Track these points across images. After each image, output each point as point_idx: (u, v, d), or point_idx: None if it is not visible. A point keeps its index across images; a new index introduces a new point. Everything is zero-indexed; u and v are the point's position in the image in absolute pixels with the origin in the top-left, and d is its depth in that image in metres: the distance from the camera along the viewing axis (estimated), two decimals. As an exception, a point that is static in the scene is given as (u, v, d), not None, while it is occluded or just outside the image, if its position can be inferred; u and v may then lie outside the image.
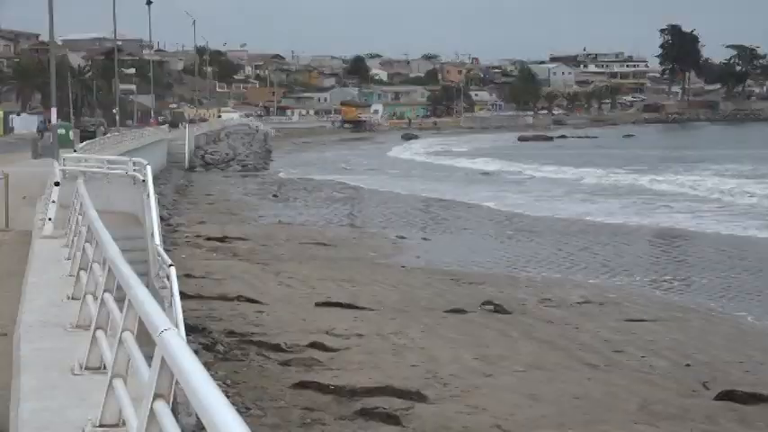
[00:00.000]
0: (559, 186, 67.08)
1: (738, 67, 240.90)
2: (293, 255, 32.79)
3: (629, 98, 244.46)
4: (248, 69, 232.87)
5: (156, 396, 4.84)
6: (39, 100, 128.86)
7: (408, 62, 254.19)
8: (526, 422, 14.88)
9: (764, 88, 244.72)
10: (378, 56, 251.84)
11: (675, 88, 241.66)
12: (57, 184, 21.85)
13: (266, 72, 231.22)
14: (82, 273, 11.08)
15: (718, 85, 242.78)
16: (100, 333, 8.05)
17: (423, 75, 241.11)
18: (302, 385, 16.33)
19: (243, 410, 14.34)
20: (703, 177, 72.55)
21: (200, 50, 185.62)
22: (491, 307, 23.69)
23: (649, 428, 14.81)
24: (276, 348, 18.77)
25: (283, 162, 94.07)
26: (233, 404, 3.59)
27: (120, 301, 7.28)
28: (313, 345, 19.11)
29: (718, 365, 18.67)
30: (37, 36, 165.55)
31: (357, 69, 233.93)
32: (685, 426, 14.99)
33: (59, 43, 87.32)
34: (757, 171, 76.62)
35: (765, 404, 16.10)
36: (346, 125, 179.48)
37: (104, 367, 7.38)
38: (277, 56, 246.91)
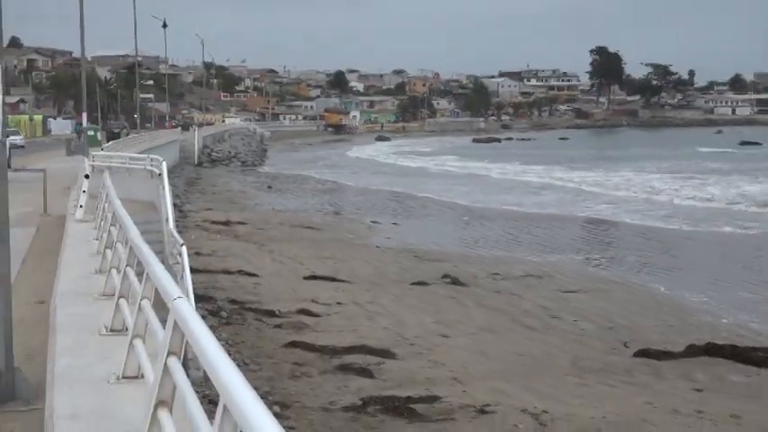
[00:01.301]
0: (506, 180, 67.25)
1: (654, 82, 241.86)
2: (284, 236, 32.75)
3: (564, 107, 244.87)
4: (247, 81, 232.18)
5: (170, 353, 4.83)
6: (72, 106, 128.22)
7: (381, 76, 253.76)
8: (477, 375, 14.93)
9: (675, 99, 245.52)
10: (356, 71, 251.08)
11: (602, 99, 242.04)
12: (87, 176, 21.75)
13: (262, 84, 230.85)
14: (107, 251, 11.06)
15: (637, 97, 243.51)
16: (122, 301, 8.04)
17: (393, 87, 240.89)
18: (292, 345, 16.33)
19: (242, 365, 14.31)
20: (624, 173, 72.89)
21: (208, 66, 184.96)
22: (449, 280, 23.70)
23: (578, 380, 14.87)
24: (270, 314, 18.76)
25: (276, 160, 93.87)
26: (234, 360, 3.58)
27: (139, 274, 7.26)
28: (301, 311, 19.11)
29: (635, 328, 18.78)
30: (70, 53, 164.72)
31: (338, 82, 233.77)
32: (608, 378, 15.08)
33: (89, 59, 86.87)
34: (669, 168, 77.04)
35: (674, 360, 16.21)
36: (329, 128, 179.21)
37: (126, 329, 7.37)
38: (272, 70, 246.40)
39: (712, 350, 16.71)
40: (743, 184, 61.49)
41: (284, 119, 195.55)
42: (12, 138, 74.20)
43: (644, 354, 16.52)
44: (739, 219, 41.22)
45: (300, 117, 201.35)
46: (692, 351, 16.65)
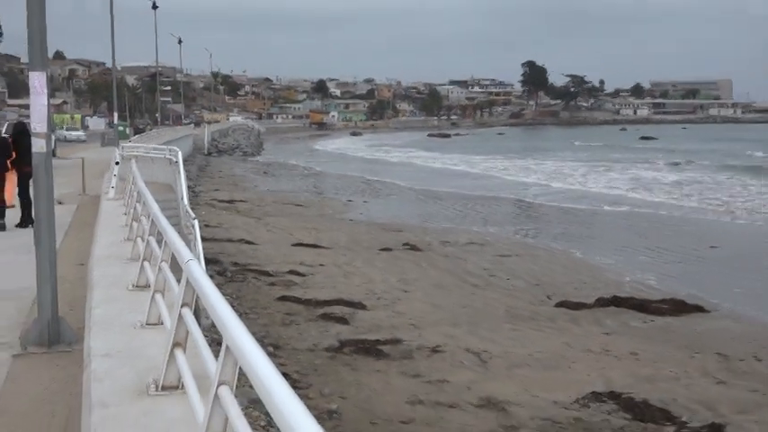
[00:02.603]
0: (455, 167, 67.38)
1: (572, 89, 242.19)
2: (277, 212, 32.71)
3: (501, 109, 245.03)
4: (247, 87, 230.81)
5: (183, 304, 4.82)
6: (105, 107, 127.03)
7: (354, 83, 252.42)
8: (431, 322, 14.99)
9: (589, 103, 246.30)
10: (335, 79, 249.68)
11: (531, 102, 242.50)
12: (117, 163, 21.61)
13: (259, 89, 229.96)
14: (134, 223, 10.98)
15: (559, 101, 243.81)
16: (146, 263, 8.00)
17: (364, 92, 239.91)
18: (283, 298, 16.33)
19: (243, 315, 14.29)
20: (548, 162, 73.26)
21: (215, 74, 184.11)
22: (408, 246, 23.74)
23: (512, 326, 14.96)
24: (266, 274, 18.73)
25: (271, 150, 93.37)
26: (236, 310, 3.57)
27: (159, 242, 7.23)
28: (290, 272, 19.09)
29: (556, 284, 18.89)
30: (104, 63, 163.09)
31: (320, 88, 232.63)
32: (535, 324, 15.18)
33: (119, 69, 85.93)
34: (583, 158, 77.52)
35: (587, 309, 16.31)
36: (313, 125, 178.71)
37: (148, 286, 7.33)
38: (267, 78, 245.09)
39: (617, 302, 16.85)
40: (641, 171, 61.99)
41: (277, 118, 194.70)
42: (76, 133, 74.11)
43: (563, 305, 16.64)
44: (637, 199, 41.63)
45: (290, 116, 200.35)
46: (602, 303, 16.79)
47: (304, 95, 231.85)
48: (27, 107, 8.23)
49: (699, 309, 16.58)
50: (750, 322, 15.89)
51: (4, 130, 20.39)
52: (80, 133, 65.69)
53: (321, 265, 20.41)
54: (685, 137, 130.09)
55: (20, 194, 15.93)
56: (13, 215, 15.71)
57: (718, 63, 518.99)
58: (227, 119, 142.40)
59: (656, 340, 14.30)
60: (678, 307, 16.60)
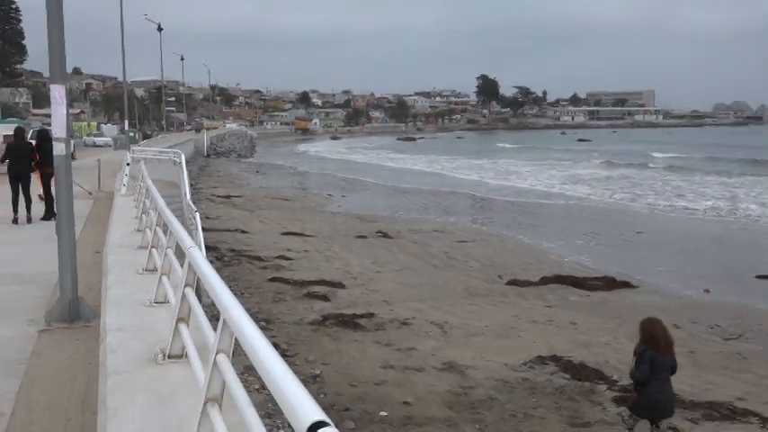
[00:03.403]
0: (420, 167, 67.43)
1: (520, 99, 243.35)
2: (268, 205, 32.56)
3: (459, 116, 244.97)
4: (241, 98, 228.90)
5: (186, 285, 4.79)
6: (117, 116, 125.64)
7: (334, 95, 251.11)
8: (401, 298, 15.02)
9: (534, 110, 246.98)
10: (316, 91, 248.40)
11: (485, 110, 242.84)
12: (128, 164, 21.39)
13: (251, 100, 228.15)
14: (143, 216, 10.89)
15: (508, 109, 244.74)
16: (153, 250, 7.95)
17: (342, 102, 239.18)
18: (273, 279, 16.29)
19: (238, 294, 14.23)
20: (500, 161, 73.56)
21: (213, 87, 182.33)
22: (381, 234, 23.76)
23: (469, 301, 15.03)
24: (258, 259, 18.66)
25: (262, 153, 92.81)
26: (232, 290, 3.56)
27: (164, 231, 7.18)
28: (279, 257, 19.04)
29: (507, 265, 19.01)
30: (116, 78, 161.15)
31: (304, 99, 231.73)
32: (489, 299, 15.26)
33: (129, 82, 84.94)
34: (529, 157, 77.90)
35: (533, 286, 16.44)
36: (298, 131, 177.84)
37: (156, 269, 7.28)
38: (258, 90, 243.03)
39: (558, 280, 17.00)
40: (578, 168, 62.43)
41: (267, 124, 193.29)
42: (103, 139, 73.23)
43: (513, 283, 16.76)
44: (575, 193, 41.92)
45: (278, 123, 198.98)
46: (545, 280, 16.92)
47: (290, 105, 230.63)
48: (49, 116, 8.14)
49: (627, 285, 16.78)
50: (669, 295, 16.10)
51: (29, 136, 20.07)
52: (107, 139, 65.87)
53: (306, 250, 20.37)
54: (615, 139, 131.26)
55: (43, 191, 15.83)
56: (38, 210, 15.58)
57: (643, 76, 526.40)
58: (224, 126, 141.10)
59: (591, 312, 14.45)
60: (609, 283, 16.79)
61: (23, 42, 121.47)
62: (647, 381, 7.72)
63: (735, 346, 12.26)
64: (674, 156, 74.14)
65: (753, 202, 36.06)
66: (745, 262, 19.89)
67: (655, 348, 7.74)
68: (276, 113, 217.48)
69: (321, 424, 1.91)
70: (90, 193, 19.97)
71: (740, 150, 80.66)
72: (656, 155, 76.44)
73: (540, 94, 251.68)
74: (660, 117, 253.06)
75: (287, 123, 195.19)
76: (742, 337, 12.85)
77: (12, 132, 17.06)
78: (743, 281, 17.63)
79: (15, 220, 15.04)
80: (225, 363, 3.30)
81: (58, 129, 7.91)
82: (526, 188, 44.69)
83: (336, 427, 1.99)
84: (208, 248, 15.75)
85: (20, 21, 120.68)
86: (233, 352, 3.36)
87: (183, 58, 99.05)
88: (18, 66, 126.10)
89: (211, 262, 7.41)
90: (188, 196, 15.99)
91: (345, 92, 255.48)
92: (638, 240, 24.21)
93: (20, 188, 15.32)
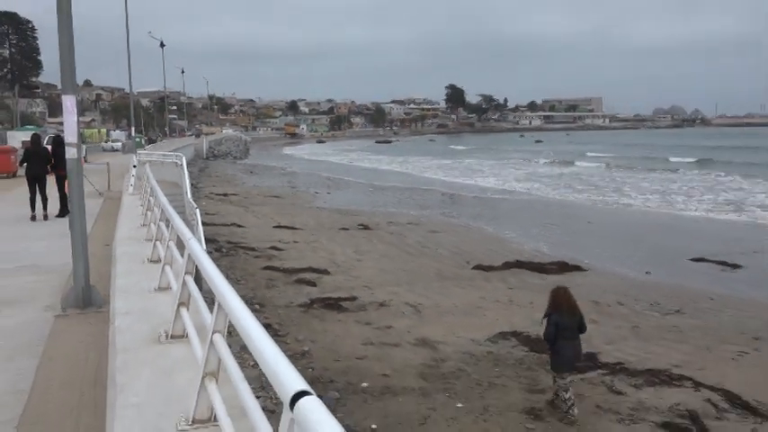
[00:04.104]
0: (395, 167, 67.42)
1: (484, 105, 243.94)
2: (261, 202, 32.40)
3: (430, 121, 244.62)
4: (236, 107, 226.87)
5: (186, 273, 4.75)
6: (125, 123, 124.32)
7: (319, 103, 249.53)
8: (379, 282, 15.03)
9: (496, 116, 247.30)
10: (303, 99, 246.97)
11: (453, 116, 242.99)
12: (134, 166, 21.17)
13: (245, 108, 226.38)
14: (148, 212, 10.80)
15: (474, 115, 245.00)
16: (158, 243, 7.88)
17: (326, 109, 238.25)
18: (266, 268, 16.22)
19: (235, 281, 14.18)
20: (467, 161, 73.77)
21: (211, 97, 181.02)
22: (362, 226, 23.76)
23: (440, 284, 15.07)
24: (253, 249, 18.59)
25: (256, 155, 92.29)
26: (229, 278, 3.54)
27: (167, 226, 7.12)
28: (271, 247, 18.98)
29: (473, 252, 19.07)
30: (123, 89, 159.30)
31: (292, 107, 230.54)
32: (458, 283, 15.30)
33: (135, 93, 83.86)
34: (493, 156, 78.18)
35: (497, 271, 16.51)
36: (287, 135, 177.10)
37: (160, 260, 7.22)
38: (251, 99, 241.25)
39: (519, 264, 17.11)
40: (537, 166, 62.77)
41: (260, 130, 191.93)
42: (117, 144, 72.05)
43: (478, 267, 16.83)
44: (533, 188, 42.15)
45: (270, 129, 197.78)
46: (507, 265, 17.02)
47: (280, 112, 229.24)
48: (62, 124, 8.05)
49: (578, 268, 16.91)
50: (615, 277, 16.25)
51: (45, 142, 19.83)
52: (119, 144, 65.38)
53: (295, 242, 20.31)
54: (567, 141, 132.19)
55: (58, 191, 15.67)
56: (52, 208, 15.41)
57: (592, 84, 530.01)
58: (221, 131, 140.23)
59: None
60: (563, 267, 16.91)
61: (39, 58, 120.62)
62: (554, 340, 8.19)
63: (672, 321, 12.40)
64: (614, 156, 74.60)
65: (683, 194, 36.56)
66: (680, 248, 20.12)
67: (559, 312, 8.25)
68: (267, 120, 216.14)
69: (304, 393, 1.91)
70: (100, 193, 19.73)
71: (675, 150, 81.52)
72: (590, 154, 76.98)
73: (502, 101, 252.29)
74: (607, 121, 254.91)
75: (277, 129, 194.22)
76: (678, 312, 13.00)
77: (29, 139, 16.90)
78: (678, 264, 17.84)
79: (33, 218, 14.89)
80: (220, 341, 3.29)
81: (69, 135, 7.82)
82: (488, 186, 44.83)
83: (323, 396, 1.99)
84: (207, 241, 15.66)
85: (36, 38, 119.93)
86: (231, 333, 3.35)
87: (183, 71, 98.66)
88: (34, 79, 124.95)
89: (211, 253, 7.36)
90: (189, 194, 15.85)
91: (329, 100, 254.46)
92: (588, 230, 24.39)
93: (37, 188, 15.23)
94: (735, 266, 17.26)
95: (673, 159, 65.66)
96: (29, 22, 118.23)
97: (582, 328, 8.42)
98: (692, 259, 18.17)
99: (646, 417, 8.16)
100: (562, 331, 8.22)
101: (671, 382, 9.22)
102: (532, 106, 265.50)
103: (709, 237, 22.45)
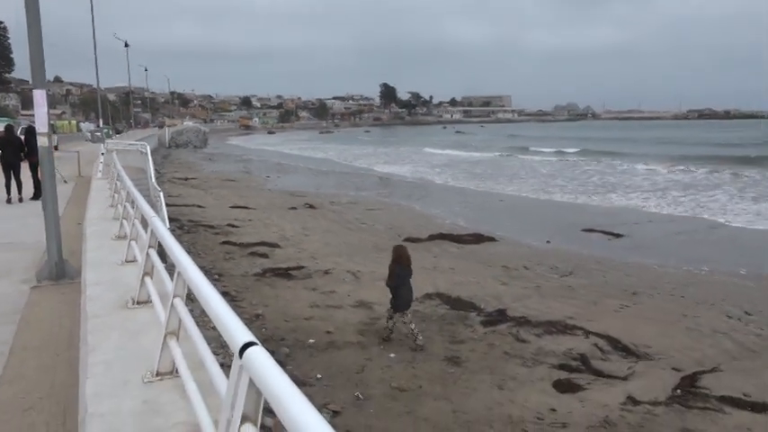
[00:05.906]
0: (335, 155, 66.99)
1: (412, 102, 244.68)
2: (218, 185, 31.65)
3: (367, 115, 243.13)
4: (195, 101, 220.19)
5: (150, 246, 4.65)
6: (93, 116, 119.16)
7: (269, 98, 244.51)
8: (324, 254, 14.97)
9: (423, 110, 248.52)
10: (255, 95, 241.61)
11: (386, 111, 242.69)
12: (102, 154, 20.39)
13: (203, 103, 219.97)
14: (115, 194, 10.45)
15: (404, 109, 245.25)
16: (124, 221, 7.65)
17: (276, 104, 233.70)
18: (225, 243, 15.90)
19: (196, 254, 13.89)
20: (401, 149, 73.88)
21: (172, 92, 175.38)
22: (308, 206, 23.55)
23: (377, 255, 15.07)
24: (212, 227, 18.18)
25: (214, 145, 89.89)
26: (189, 252, 3.49)
27: (132, 206, 6.92)
28: (228, 225, 18.59)
29: (405, 227, 19.18)
30: (91, 85, 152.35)
31: (246, 102, 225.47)
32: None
33: (103, 89, 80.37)
34: (419, 142, 78.59)
35: (423, 242, 16.66)
36: (242, 127, 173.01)
37: (126, 236, 7.02)
38: (209, 95, 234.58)
39: (441, 236, 17.33)
40: (458, 153, 63.48)
41: (217, 122, 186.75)
42: (96, 133, 68.36)
43: (408, 239, 16.91)
44: (456, 174, 42.63)
45: (226, 121, 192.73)
46: (432, 237, 17.21)
47: (234, 107, 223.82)
48: (34, 116, 7.73)
49: (491, 239, 17.26)
50: (522, 246, 16.68)
51: (18, 132, 18.85)
52: (98, 134, 62.35)
53: (249, 220, 19.99)
54: (482, 132, 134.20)
55: (32, 177, 15.00)
56: (27, 192, 14.72)
57: (503, 83, 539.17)
58: (182, 123, 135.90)
59: (465, 259, 14.82)
60: (478, 238, 17.22)
61: (11, 56, 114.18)
62: (397, 286, 8.96)
63: (567, 281, 12.85)
64: (520, 146, 75.87)
65: (571, 179, 37.73)
66: (573, 221, 20.81)
67: (400, 265, 9.07)
68: (224, 113, 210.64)
69: (251, 344, 1.92)
70: (65, 182, 18.80)
71: (570, 141, 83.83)
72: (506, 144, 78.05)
73: (428, 98, 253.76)
74: (516, 115, 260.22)
75: (232, 121, 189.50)
76: (572, 274, 13.48)
77: (3, 129, 16.07)
78: (572, 234, 18.45)
79: (9, 201, 14.21)
80: (180, 305, 3.25)
81: (40, 125, 7.50)
82: (419, 169, 45.09)
83: (275, 352, 2.00)
84: (171, 220, 15.26)
85: (8, 38, 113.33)
86: (192, 300, 3.31)
87: (146, 69, 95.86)
88: (7, 74, 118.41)
89: (174, 231, 7.19)
90: (153, 179, 15.41)
91: (278, 96, 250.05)
92: (500, 207, 24.91)
93: (11, 174, 14.56)
94: (618, 235, 17.98)
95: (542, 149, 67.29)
96: (1, 22, 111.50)
97: (410, 276, 9.16)
98: (583, 230, 18.82)
99: (545, 360, 8.48)
100: (402, 280, 8.96)
101: (565, 331, 9.59)
102: (453, 102, 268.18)
103: (596, 214, 23.28)
